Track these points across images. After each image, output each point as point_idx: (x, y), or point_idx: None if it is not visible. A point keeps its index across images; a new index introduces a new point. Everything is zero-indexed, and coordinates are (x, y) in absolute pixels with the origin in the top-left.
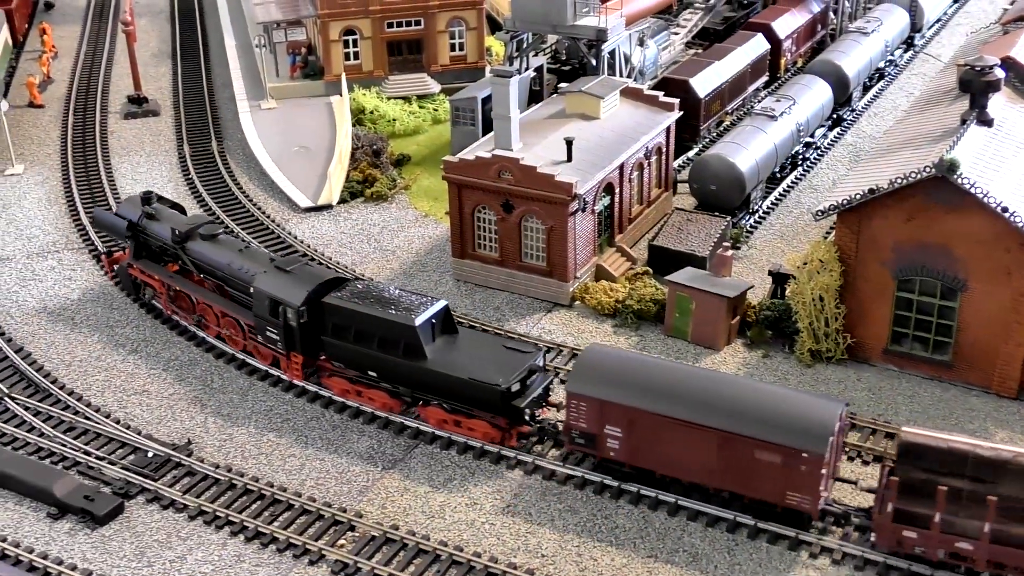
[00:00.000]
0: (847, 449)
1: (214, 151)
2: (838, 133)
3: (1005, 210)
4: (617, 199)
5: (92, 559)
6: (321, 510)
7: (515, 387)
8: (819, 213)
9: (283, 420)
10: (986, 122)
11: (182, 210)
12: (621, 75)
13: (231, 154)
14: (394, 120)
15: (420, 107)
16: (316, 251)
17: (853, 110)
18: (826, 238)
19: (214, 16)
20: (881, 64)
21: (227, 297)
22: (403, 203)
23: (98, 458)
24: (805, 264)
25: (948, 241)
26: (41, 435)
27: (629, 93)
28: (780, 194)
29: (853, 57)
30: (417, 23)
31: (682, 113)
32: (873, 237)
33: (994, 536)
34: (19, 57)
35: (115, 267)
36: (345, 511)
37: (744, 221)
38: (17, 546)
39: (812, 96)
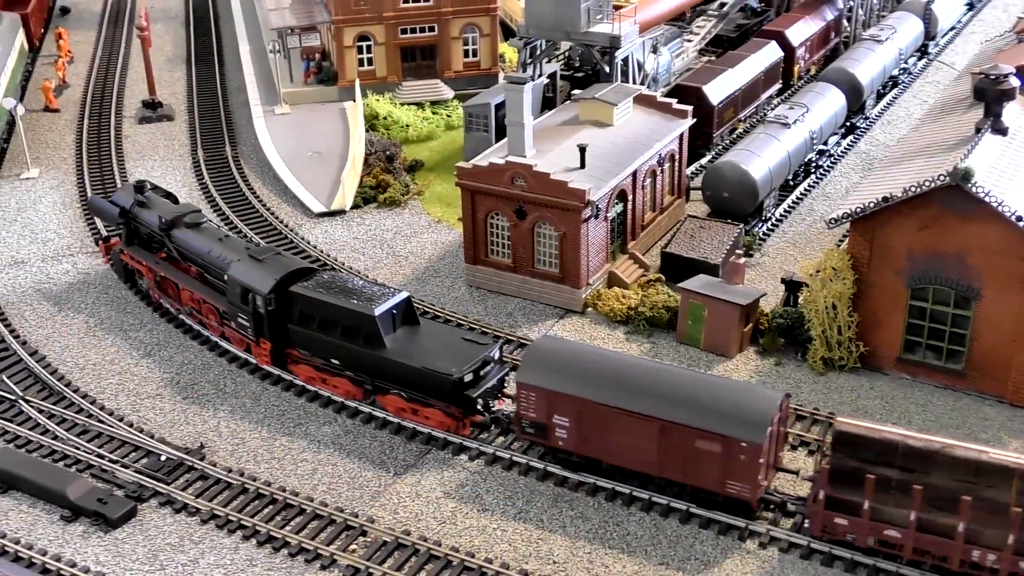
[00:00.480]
0: (790, 440)
1: (228, 156)
2: (851, 141)
3: (1020, 219)
4: (630, 206)
5: (105, 562)
6: (333, 515)
7: (467, 377)
8: (832, 221)
9: (295, 425)
10: (1001, 131)
11: (175, 200)
12: (634, 82)
13: (245, 159)
14: (407, 126)
15: (433, 113)
16: (329, 256)
17: (867, 118)
18: (839, 246)
19: (229, 22)
20: (895, 72)
21: (206, 284)
22: (416, 209)
23: (111, 461)
24: (818, 272)
25: (962, 250)
26: (55, 438)
27: (642, 100)
28: (793, 202)
29: (867, 65)
30: (431, 29)
31: (695, 120)
32: (887, 245)
33: (920, 524)
34: (35, 61)
35: (110, 253)
36: (357, 516)
37: (757, 228)
38: (31, 548)
39: (825, 104)
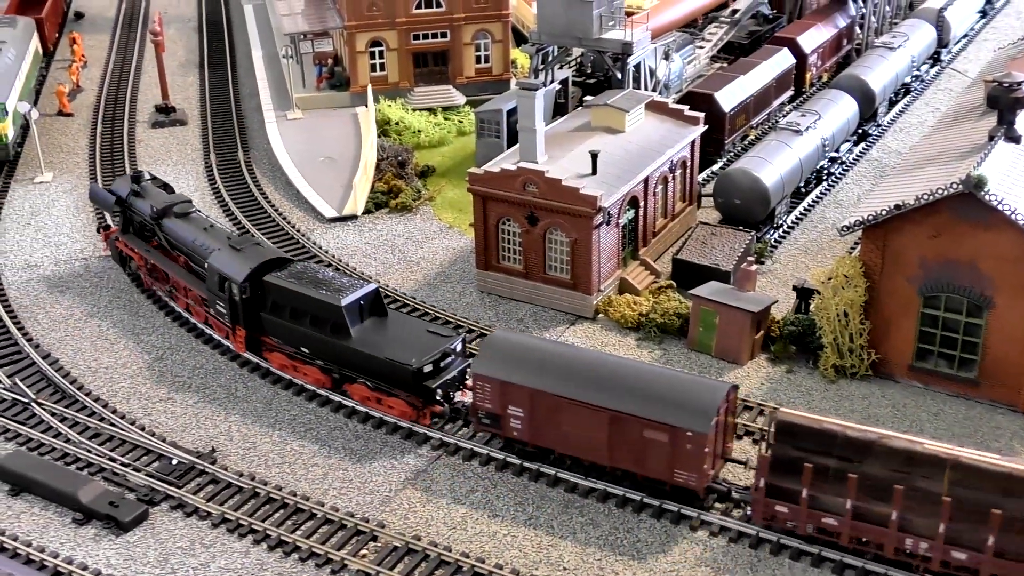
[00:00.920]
0: (739, 431)
1: (240, 161)
2: (863, 148)
3: None
4: (641, 212)
5: (116, 565)
6: (344, 519)
7: (427, 368)
8: (844, 228)
9: (306, 429)
10: (1014, 138)
11: (171, 190)
12: (646, 88)
13: (257, 164)
14: (419, 131)
15: (445, 119)
16: (340, 261)
17: (879, 125)
18: (851, 253)
19: (241, 27)
20: (907, 79)
21: (191, 272)
22: (428, 214)
23: (123, 465)
24: (830, 279)
25: (975, 258)
26: (67, 441)
27: (654, 107)
28: (805, 209)
29: (879, 72)
30: (443, 35)
31: (707, 127)
32: (899, 253)
33: (856, 513)
34: (49, 66)
35: (107, 240)
36: (367, 521)
37: (768, 235)
38: (42, 551)
39: (837, 111)
